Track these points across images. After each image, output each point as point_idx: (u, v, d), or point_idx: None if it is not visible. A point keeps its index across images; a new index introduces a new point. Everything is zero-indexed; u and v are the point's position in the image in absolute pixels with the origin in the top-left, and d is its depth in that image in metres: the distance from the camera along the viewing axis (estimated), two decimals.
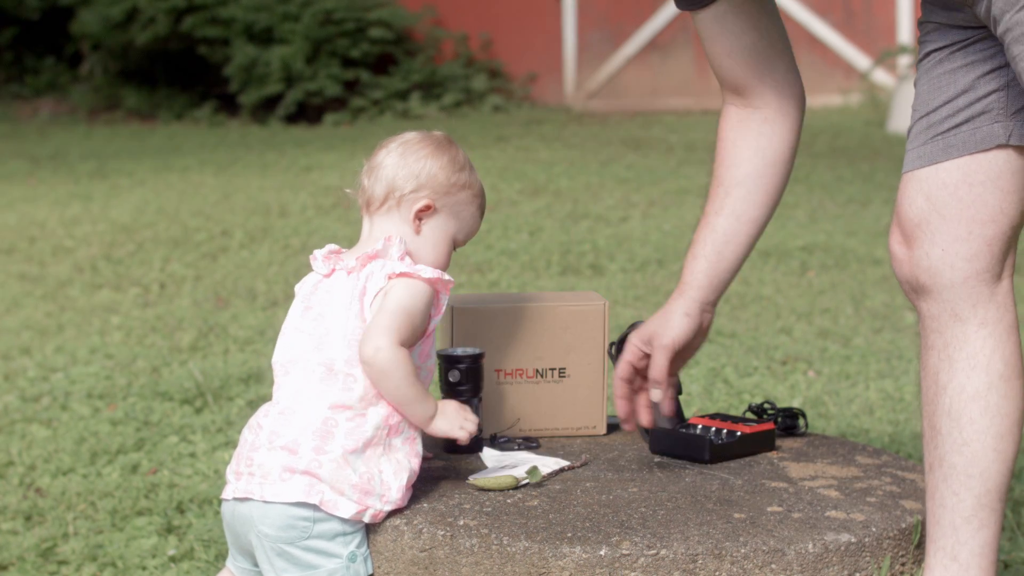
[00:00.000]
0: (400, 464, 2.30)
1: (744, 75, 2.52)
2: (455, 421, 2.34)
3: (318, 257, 2.39)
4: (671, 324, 2.54)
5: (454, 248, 2.44)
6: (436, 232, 2.39)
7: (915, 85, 2.29)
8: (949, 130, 2.21)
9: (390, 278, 2.29)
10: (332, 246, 2.41)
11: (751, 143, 2.56)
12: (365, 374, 2.27)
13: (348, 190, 2.46)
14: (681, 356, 2.60)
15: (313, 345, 2.31)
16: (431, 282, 2.31)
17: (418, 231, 2.38)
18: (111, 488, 3.38)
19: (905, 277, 2.28)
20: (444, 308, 2.36)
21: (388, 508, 2.28)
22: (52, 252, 6.54)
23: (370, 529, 2.30)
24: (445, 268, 2.41)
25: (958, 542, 2.24)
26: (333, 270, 2.37)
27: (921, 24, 2.28)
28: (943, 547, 2.26)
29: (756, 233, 2.59)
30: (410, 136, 2.42)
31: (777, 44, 2.52)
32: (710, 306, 2.58)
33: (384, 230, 2.37)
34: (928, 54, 2.26)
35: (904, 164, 2.29)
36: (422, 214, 2.37)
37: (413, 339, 2.30)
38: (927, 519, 2.30)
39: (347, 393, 2.27)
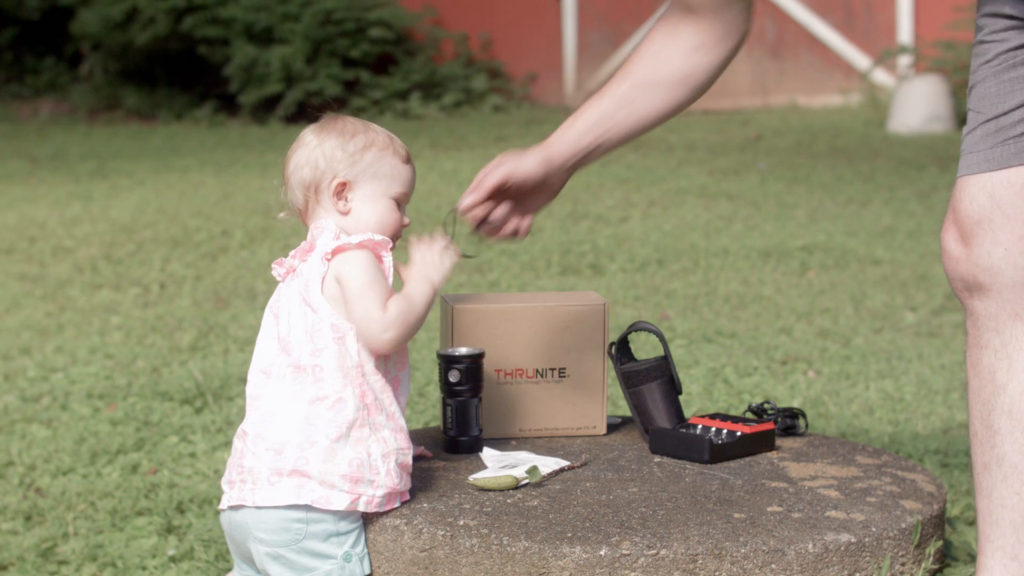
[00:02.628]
0: (387, 443, 2.30)
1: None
2: (440, 259, 2.37)
3: (275, 265, 2.41)
4: (521, 157, 2.57)
5: (399, 206, 2.40)
6: (365, 203, 2.37)
7: (976, 83, 2.24)
8: (1023, 135, 2.18)
9: (326, 259, 2.30)
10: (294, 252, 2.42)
11: (676, 57, 2.55)
12: (390, 348, 2.29)
13: (281, 214, 2.46)
14: (521, 200, 2.62)
15: (282, 348, 2.32)
16: (364, 245, 2.31)
17: (346, 212, 2.37)
18: (111, 488, 3.38)
19: (960, 275, 2.24)
20: (391, 270, 2.34)
21: (381, 493, 2.28)
22: (52, 252, 6.54)
23: (369, 529, 2.30)
24: (397, 231, 2.39)
25: (1019, 542, 2.23)
26: (287, 272, 2.38)
27: (988, 17, 2.21)
28: (1002, 547, 2.24)
29: (634, 132, 2.62)
30: (301, 134, 2.42)
31: None
32: (564, 175, 2.65)
33: (317, 225, 2.38)
34: (999, 54, 2.20)
35: (965, 167, 2.23)
36: (340, 193, 2.36)
37: (389, 292, 2.31)
38: (981, 518, 2.27)
39: (319, 384, 2.28)
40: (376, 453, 2.29)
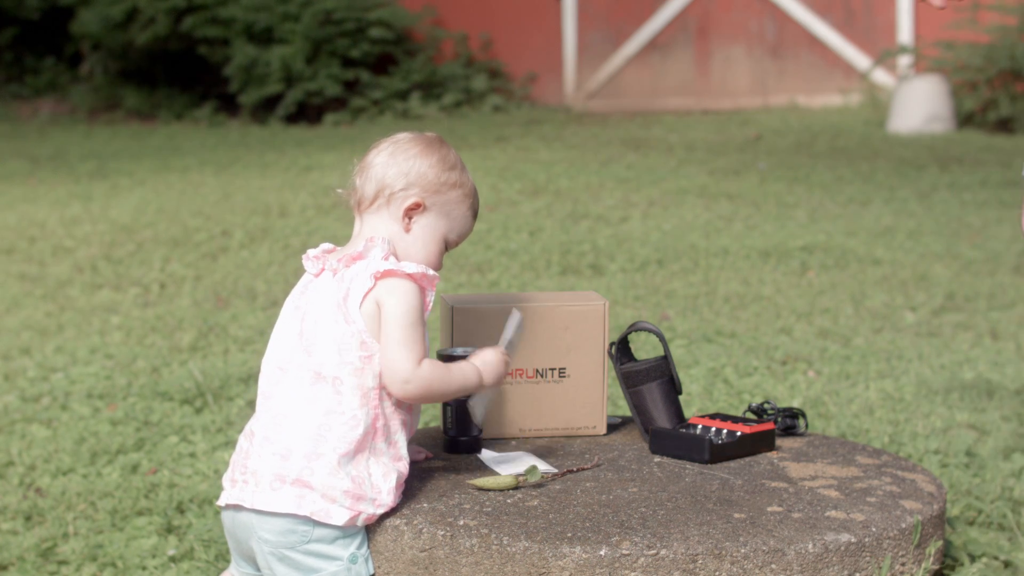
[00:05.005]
0: (387, 466, 2.31)
1: None
2: (501, 366, 2.41)
3: (310, 256, 2.39)
4: None
5: (446, 248, 2.43)
6: (426, 231, 2.39)
7: None
8: None
9: (375, 277, 2.30)
10: (327, 245, 2.41)
11: None
12: (403, 398, 2.31)
13: (340, 190, 2.46)
14: None
15: (303, 348, 2.31)
16: (415, 278, 2.31)
17: (408, 229, 2.38)
18: (111, 488, 3.38)
19: None
20: (432, 304, 2.36)
21: (380, 512, 2.28)
22: (52, 252, 6.54)
23: (370, 529, 2.30)
24: (437, 268, 2.40)
25: None
26: (322, 270, 2.37)
27: None
28: None
29: None
30: (401, 136, 2.42)
31: None
32: None
33: (374, 228, 2.37)
34: None
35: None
36: (412, 212, 2.37)
37: (424, 342, 2.31)
38: None
39: (337, 398, 2.27)
40: (377, 473, 2.29)
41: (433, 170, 2.38)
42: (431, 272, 2.34)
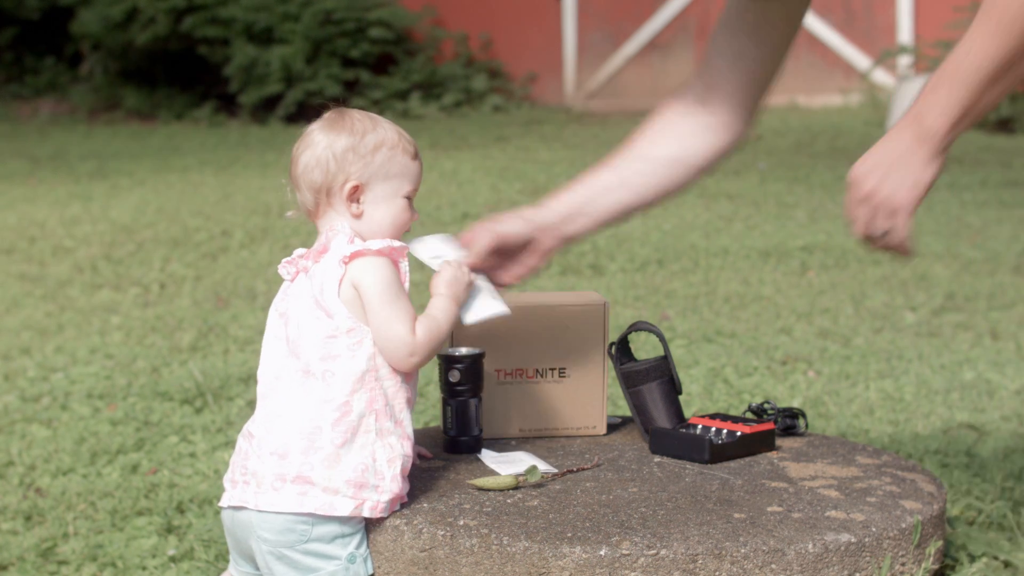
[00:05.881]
0: (393, 449, 2.29)
1: (731, 81, 2.56)
2: (460, 272, 2.42)
3: (284, 263, 2.39)
4: (508, 216, 2.58)
5: (409, 202, 2.39)
6: (378, 204, 2.35)
7: None
8: None
9: (344, 262, 2.28)
10: (300, 250, 2.40)
11: (684, 134, 2.66)
12: (412, 370, 2.31)
13: (290, 214, 2.44)
14: (511, 261, 2.57)
15: (291, 352, 2.31)
16: (383, 252, 2.29)
17: (359, 214, 2.34)
18: (111, 488, 3.38)
19: None
20: (407, 275, 2.33)
21: (386, 499, 2.28)
22: (52, 252, 6.54)
23: (370, 529, 2.30)
24: (406, 228, 2.38)
25: None
26: (297, 272, 2.36)
27: None
28: None
29: (631, 208, 2.67)
30: (308, 130, 2.39)
31: (773, 76, 2.63)
32: (552, 236, 2.59)
33: (331, 227, 2.36)
34: None
35: None
36: (354, 196, 2.34)
37: (411, 311, 2.30)
38: None
39: (328, 389, 2.27)
40: (382, 459, 2.28)
41: (348, 151, 2.33)
42: (396, 243, 2.31)
